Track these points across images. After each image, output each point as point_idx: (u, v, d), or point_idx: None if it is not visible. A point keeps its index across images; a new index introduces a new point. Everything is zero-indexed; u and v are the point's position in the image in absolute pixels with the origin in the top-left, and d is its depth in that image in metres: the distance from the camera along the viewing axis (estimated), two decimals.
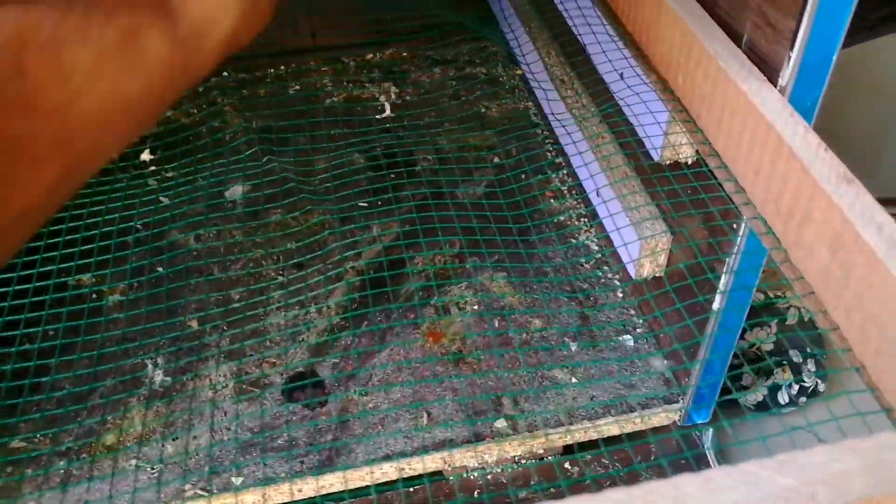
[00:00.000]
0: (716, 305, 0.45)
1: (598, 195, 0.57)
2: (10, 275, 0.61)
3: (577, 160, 0.62)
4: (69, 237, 0.63)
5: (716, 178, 0.39)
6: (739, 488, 0.21)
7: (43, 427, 0.54)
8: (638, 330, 0.57)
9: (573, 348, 0.56)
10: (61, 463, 0.52)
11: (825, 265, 0.30)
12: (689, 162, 0.46)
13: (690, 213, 0.46)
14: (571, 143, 0.61)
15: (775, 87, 0.35)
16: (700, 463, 0.52)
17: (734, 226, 0.41)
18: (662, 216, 0.51)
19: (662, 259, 0.50)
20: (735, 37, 0.38)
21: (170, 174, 0.73)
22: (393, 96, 0.81)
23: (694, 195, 0.44)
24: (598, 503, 0.20)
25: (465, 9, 0.91)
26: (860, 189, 0.30)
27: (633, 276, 0.53)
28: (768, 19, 0.35)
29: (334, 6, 0.94)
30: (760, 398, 0.57)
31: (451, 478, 0.52)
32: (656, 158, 0.48)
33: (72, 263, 0.62)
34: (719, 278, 0.44)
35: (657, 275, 0.52)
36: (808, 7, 0.32)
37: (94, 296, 0.63)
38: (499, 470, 0.53)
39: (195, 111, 0.80)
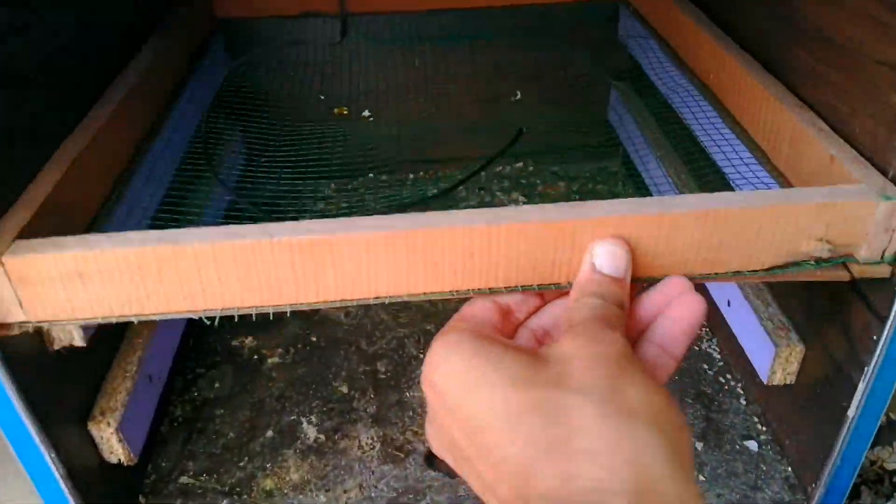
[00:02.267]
0: (851, 412, 0.48)
1: (728, 305, 0.61)
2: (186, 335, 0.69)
3: None
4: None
5: (858, 292, 0.43)
6: None
7: (208, 468, 0.60)
8: (762, 437, 0.59)
9: (700, 447, 0.59)
10: (224, 502, 0.57)
11: None
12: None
13: (823, 323, 0.50)
14: None
15: None
16: None
17: (874, 336, 0.45)
18: (794, 325, 0.54)
19: (794, 367, 0.54)
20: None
21: None
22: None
23: (831, 307, 0.49)
24: None
25: (591, 133, 1.00)
26: None
27: (765, 382, 0.56)
28: None
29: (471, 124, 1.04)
30: None
31: None
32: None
33: (238, 328, 0.70)
34: (854, 387, 0.47)
35: (788, 382, 0.55)
36: None
37: (256, 357, 0.70)
38: None
39: None
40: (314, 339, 0.72)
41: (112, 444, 0.51)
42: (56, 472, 0.47)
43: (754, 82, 0.55)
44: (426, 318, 0.74)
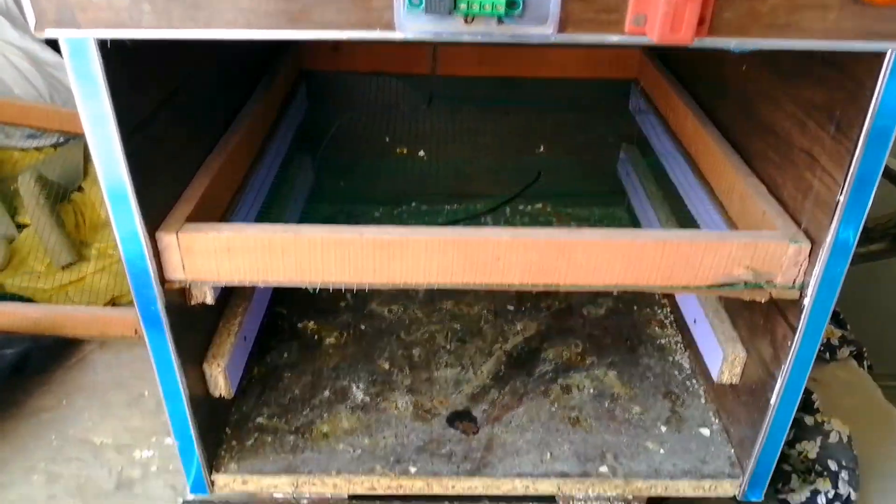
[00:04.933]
0: (772, 400, 0.64)
1: (695, 322, 0.78)
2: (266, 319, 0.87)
3: (681, 299, 0.83)
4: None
5: (780, 311, 0.59)
6: None
7: (279, 413, 0.77)
8: (714, 426, 0.75)
9: (663, 430, 0.75)
10: (290, 437, 0.74)
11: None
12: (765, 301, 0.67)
13: (758, 335, 0.66)
14: None
15: None
16: None
17: (789, 343, 0.61)
18: (740, 337, 0.71)
19: (738, 370, 0.70)
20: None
21: None
22: None
23: (765, 321, 0.65)
24: None
25: (602, 184, 1.17)
26: None
27: (715, 381, 0.72)
28: None
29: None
30: (804, 499, 0.73)
31: (560, 503, 0.71)
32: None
33: (303, 315, 0.87)
34: (775, 382, 0.63)
35: (734, 382, 0.71)
36: None
37: (316, 337, 0.88)
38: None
39: None
40: (363, 327, 0.89)
41: (218, 381, 0.68)
42: (184, 396, 0.64)
43: (721, 154, 0.72)
44: (454, 319, 0.91)
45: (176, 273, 0.59)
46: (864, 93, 0.51)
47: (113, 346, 0.99)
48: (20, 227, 1.12)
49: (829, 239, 0.55)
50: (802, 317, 0.59)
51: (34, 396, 0.90)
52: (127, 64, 0.51)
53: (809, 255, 0.58)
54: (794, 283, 0.59)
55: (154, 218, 0.57)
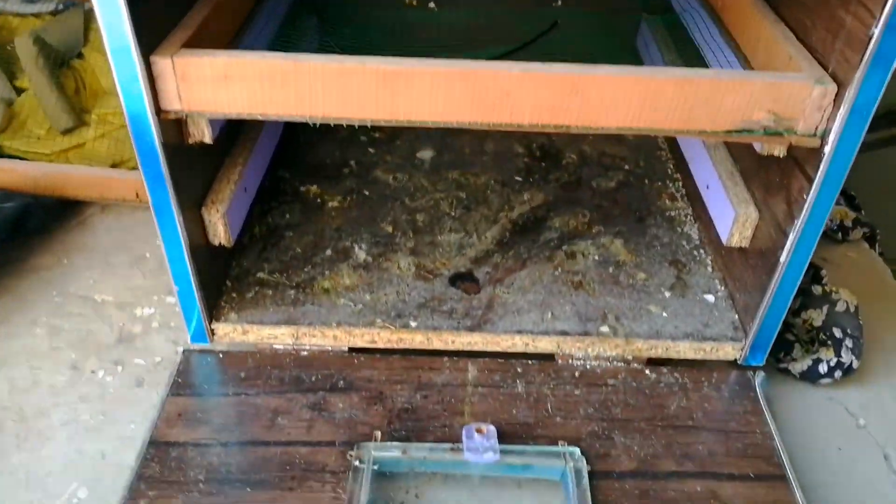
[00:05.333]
0: (782, 258, 0.62)
1: (707, 188, 0.76)
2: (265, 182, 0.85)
3: (695, 165, 0.81)
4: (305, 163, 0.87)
5: (797, 163, 0.57)
6: None
7: (280, 269, 0.76)
8: (719, 293, 0.74)
9: (667, 295, 0.74)
10: (291, 291, 0.73)
11: None
12: (781, 155, 0.64)
13: (773, 195, 0.64)
14: (691, 148, 0.80)
15: None
16: (750, 394, 0.68)
17: (805, 196, 0.59)
18: (753, 199, 0.68)
19: (749, 232, 0.68)
20: None
21: (376, 135, 0.97)
22: None
23: (781, 178, 0.63)
24: None
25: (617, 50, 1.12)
26: None
27: (724, 243, 0.70)
28: None
29: None
30: (805, 368, 0.73)
31: (559, 361, 0.71)
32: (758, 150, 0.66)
33: (305, 178, 0.85)
34: (786, 239, 0.62)
35: (744, 245, 0.69)
36: None
37: (318, 200, 0.86)
38: (596, 363, 0.71)
39: None
40: (366, 192, 0.88)
41: (217, 228, 0.67)
42: (184, 242, 0.63)
43: (747, 2, 0.68)
44: (459, 187, 0.89)
45: (172, 103, 0.56)
46: None
47: (114, 210, 0.98)
48: (19, 91, 1.09)
49: (856, 79, 0.52)
50: (821, 167, 0.57)
51: (34, 254, 0.90)
52: None
53: (834, 100, 0.55)
54: (815, 130, 0.56)
55: (150, 43, 0.54)
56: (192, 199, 0.65)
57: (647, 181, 0.91)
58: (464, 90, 0.55)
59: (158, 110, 0.56)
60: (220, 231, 0.67)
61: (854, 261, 0.90)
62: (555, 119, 0.56)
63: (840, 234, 0.91)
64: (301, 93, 0.55)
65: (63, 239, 0.93)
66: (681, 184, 0.90)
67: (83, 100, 1.10)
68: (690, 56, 0.82)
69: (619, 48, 1.04)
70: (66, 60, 1.13)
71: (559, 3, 0.96)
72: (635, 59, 1.04)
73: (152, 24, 0.55)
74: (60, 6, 1.22)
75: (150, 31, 0.54)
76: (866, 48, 0.51)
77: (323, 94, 0.55)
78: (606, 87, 0.54)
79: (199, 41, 0.58)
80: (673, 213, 0.86)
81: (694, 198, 0.85)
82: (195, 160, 0.64)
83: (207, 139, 0.60)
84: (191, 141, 0.61)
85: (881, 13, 0.50)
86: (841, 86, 0.54)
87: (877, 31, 0.50)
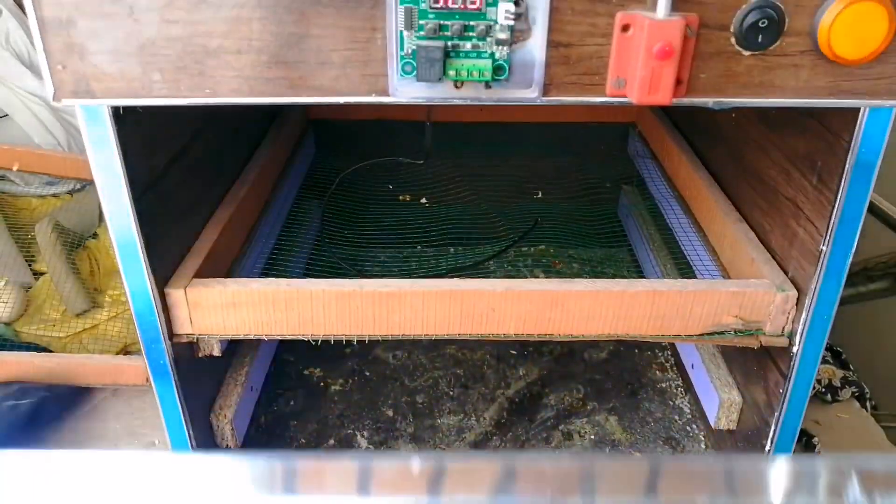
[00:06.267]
0: (767, 448, 0.65)
1: (692, 367, 0.79)
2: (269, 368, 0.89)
3: (679, 344, 0.85)
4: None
5: (771, 358, 0.61)
6: None
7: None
8: None
9: None
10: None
11: None
12: (756, 347, 0.68)
13: (752, 382, 0.67)
14: None
15: None
16: None
17: (781, 390, 0.62)
18: (735, 383, 0.72)
19: (735, 415, 0.71)
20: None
21: None
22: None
23: (759, 369, 0.66)
24: None
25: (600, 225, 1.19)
26: None
27: (713, 427, 0.73)
28: None
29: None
30: None
31: None
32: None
33: (308, 361, 0.89)
34: (769, 429, 0.64)
35: (731, 427, 0.72)
36: None
37: (321, 384, 0.89)
38: None
39: None
40: (367, 373, 0.91)
41: (225, 433, 0.70)
42: (191, 448, 0.66)
43: (712, 201, 0.74)
44: (457, 364, 0.93)
45: (184, 327, 0.61)
46: (841, 144, 0.53)
47: (124, 394, 1.01)
48: (37, 274, 1.15)
49: (813, 289, 0.57)
50: (793, 364, 0.60)
51: (47, 447, 0.92)
52: (139, 126, 0.54)
53: (797, 304, 0.59)
54: (782, 330, 0.60)
55: (163, 273, 0.60)
56: (201, 405, 0.69)
57: (636, 350, 0.94)
58: (452, 307, 0.59)
59: (171, 335, 0.61)
60: (227, 436, 0.70)
61: (847, 422, 0.91)
62: (538, 329, 0.60)
63: (829, 395, 0.93)
64: (304, 315, 0.60)
65: (74, 428, 0.95)
66: (669, 353, 0.93)
67: (97, 279, 1.16)
68: (666, 234, 0.88)
69: (602, 221, 1.12)
70: (82, 241, 1.20)
71: (540, 195, 1.04)
72: (619, 228, 1.11)
73: (166, 256, 0.60)
74: (77, 185, 1.31)
75: (164, 262, 0.60)
76: (818, 262, 0.56)
77: (324, 316, 0.60)
78: (583, 301, 0.59)
79: (209, 265, 0.64)
80: (664, 385, 0.88)
81: (682, 368, 0.88)
82: (204, 368, 0.68)
83: (216, 353, 0.65)
84: (200, 355, 0.65)
85: (827, 231, 0.55)
86: (801, 292, 0.59)
87: (825, 249, 0.55)
